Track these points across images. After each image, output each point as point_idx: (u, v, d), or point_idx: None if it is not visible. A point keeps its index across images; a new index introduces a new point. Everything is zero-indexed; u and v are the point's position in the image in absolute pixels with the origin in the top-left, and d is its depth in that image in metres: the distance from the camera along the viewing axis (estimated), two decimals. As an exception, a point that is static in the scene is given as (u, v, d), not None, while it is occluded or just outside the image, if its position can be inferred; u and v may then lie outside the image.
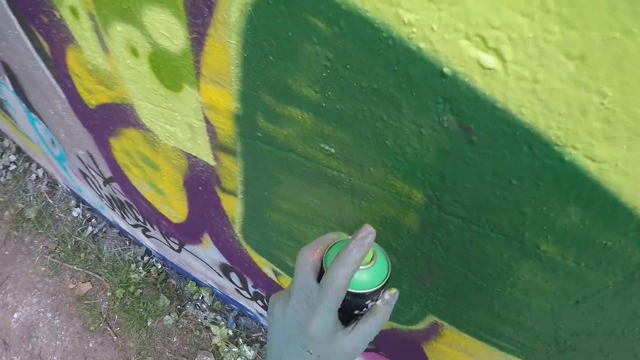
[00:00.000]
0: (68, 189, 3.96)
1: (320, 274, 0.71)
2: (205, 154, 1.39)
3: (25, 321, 3.40)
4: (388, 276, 0.75)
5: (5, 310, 3.45)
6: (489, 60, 0.63)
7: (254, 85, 0.98)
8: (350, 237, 0.73)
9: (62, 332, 3.33)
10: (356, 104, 0.83)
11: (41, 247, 3.76)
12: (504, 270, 0.94)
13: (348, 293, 0.70)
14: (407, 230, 1.04)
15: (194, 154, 1.45)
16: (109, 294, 3.46)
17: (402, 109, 0.77)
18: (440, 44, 0.65)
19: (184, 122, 1.33)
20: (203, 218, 1.85)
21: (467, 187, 0.83)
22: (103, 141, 2.00)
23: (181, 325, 3.28)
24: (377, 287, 0.72)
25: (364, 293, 0.71)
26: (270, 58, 0.89)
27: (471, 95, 0.68)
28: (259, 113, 1.04)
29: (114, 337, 3.26)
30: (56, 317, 3.41)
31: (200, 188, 1.62)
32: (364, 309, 0.74)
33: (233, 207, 1.55)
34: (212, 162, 1.40)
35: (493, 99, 0.66)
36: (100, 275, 3.55)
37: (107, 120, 1.76)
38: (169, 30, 1.05)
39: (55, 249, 3.71)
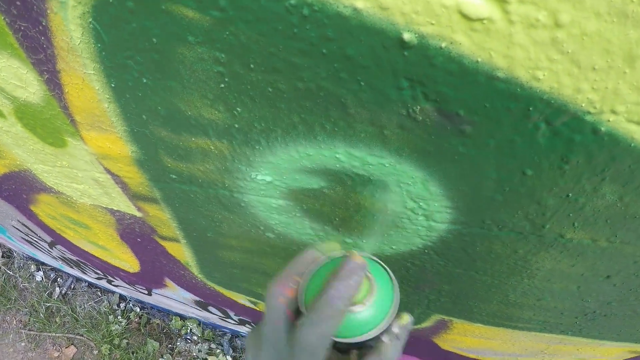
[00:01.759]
0: (25, 256, 3.66)
1: (298, 317, 0.52)
2: (126, 207, 1.12)
3: (19, 403, 3.13)
4: (394, 307, 0.55)
5: (-5, 397, 3.16)
6: (478, 5, 0.39)
7: (140, 121, 0.70)
8: (339, 251, 0.57)
9: (59, 404, 3.05)
10: (281, 116, 0.56)
11: (14, 322, 3.44)
12: (519, 265, 0.78)
13: (342, 343, 0.53)
14: (390, 246, 0.81)
15: (115, 208, 1.19)
16: (95, 352, 3.17)
17: (348, 109, 0.51)
18: None
19: (88, 178, 1.05)
20: (156, 266, 1.62)
21: (463, 189, 0.62)
22: (26, 210, 1.75)
23: (178, 365, 3.02)
24: (377, 330, 0.53)
25: (360, 341, 0.53)
26: (145, 81, 0.61)
27: (454, 67, 0.44)
28: (162, 152, 0.75)
29: (114, 396, 2.99)
30: (49, 390, 3.13)
31: (139, 240, 1.36)
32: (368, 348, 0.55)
33: (181, 252, 1.30)
34: (137, 214, 1.13)
35: (490, 66, 0.44)
36: (81, 335, 3.26)
37: (17, 189, 1.50)
38: (18, 78, 0.77)
39: (29, 320, 3.40)
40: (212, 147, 0.67)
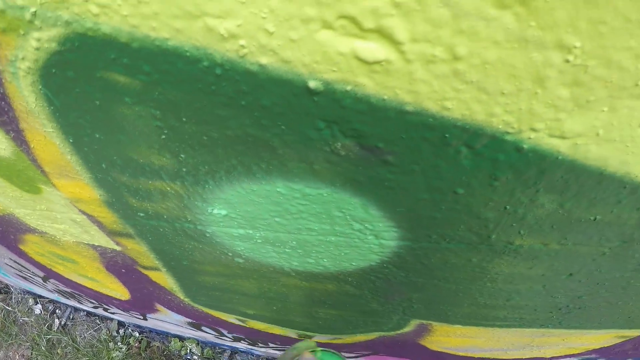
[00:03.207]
0: (22, 290, 3.65)
1: None
2: (106, 242, 1.15)
3: None
4: None
5: None
6: (373, 49, 0.42)
7: (101, 169, 0.74)
8: (310, 348, 0.68)
9: None
10: (220, 159, 0.60)
11: (17, 357, 3.44)
12: (477, 271, 0.80)
13: None
14: (350, 262, 0.85)
15: (96, 244, 1.22)
16: (98, 379, 3.17)
17: (277, 150, 0.55)
18: (289, 50, 0.43)
19: (66, 219, 1.09)
20: (145, 293, 1.64)
21: (401, 210, 0.66)
22: (16, 249, 1.80)
23: (180, 385, 3.02)
24: None
25: None
26: (97, 136, 0.65)
27: (363, 106, 0.48)
28: (126, 195, 0.79)
29: (119, 422, 2.99)
30: (56, 422, 3.12)
31: (123, 270, 1.39)
32: None
33: (164, 279, 1.33)
34: (117, 247, 1.17)
35: (398, 102, 0.47)
36: (83, 364, 3.25)
37: (5, 231, 1.55)
38: None
39: (32, 354, 3.39)
40: (168, 188, 0.71)
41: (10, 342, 3.50)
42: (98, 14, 0.44)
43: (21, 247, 1.69)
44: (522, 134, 0.49)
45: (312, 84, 0.45)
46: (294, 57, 0.43)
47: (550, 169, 0.53)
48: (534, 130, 0.49)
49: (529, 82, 0.44)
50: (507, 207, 0.61)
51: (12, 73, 0.57)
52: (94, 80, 0.52)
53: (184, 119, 0.53)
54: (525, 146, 0.50)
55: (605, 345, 1.33)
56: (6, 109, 0.68)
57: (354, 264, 0.85)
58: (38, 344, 3.40)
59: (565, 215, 0.62)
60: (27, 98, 0.62)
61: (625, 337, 1.22)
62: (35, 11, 0.46)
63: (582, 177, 0.55)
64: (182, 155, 0.60)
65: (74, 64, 0.51)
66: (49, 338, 3.42)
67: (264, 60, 0.44)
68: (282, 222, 0.72)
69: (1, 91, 0.63)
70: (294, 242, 0.79)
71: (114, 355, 3.15)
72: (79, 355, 3.26)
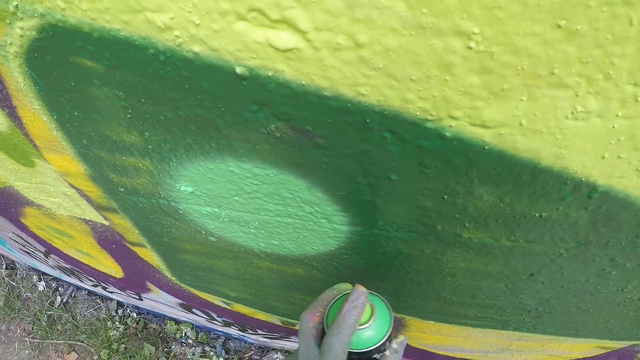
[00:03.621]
0: (27, 266, 3.75)
1: (323, 336, 0.69)
2: (95, 217, 1.23)
3: (25, 409, 3.21)
4: (391, 327, 0.72)
5: (3, 404, 3.25)
6: (283, 38, 0.46)
7: (83, 145, 0.82)
8: (349, 289, 0.71)
9: (63, 409, 3.14)
10: (178, 138, 0.67)
11: (18, 331, 3.53)
12: (433, 263, 0.82)
13: (352, 353, 0.69)
14: (311, 246, 0.90)
15: (87, 218, 1.29)
16: (95, 357, 3.26)
17: (222, 131, 0.62)
18: (215, 39, 0.48)
19: (59, 192, 1.16)
20: (135, 270, 1.71)
21: (343, 194, 0.69)
22: (17, 222, 1.86)
23: (173, 367, 3.09)
24: (379, 343, 0.70)
25: (368, 351, 0.70)
26: (76, 114, 0.73)
27: (286, 91, 0.52)
28: (107, 169, 0.87)
29: (113, 399, 3.08)
30: (52, 396, 3.21)
31: (114, 246, 1.46)
32: None
33: (150, 257, 1.40)
34: (105, 222, 1.24)
35: (315, 87, 0.50)
36: (82, 341, 3.35)
37: (7, 203, 1.61)
38: None
39: (32, 329, 3.49)
40: (140, 165, 0.79)
41: (13, 316, 3.60)
42: (64, 8, 0.51)
43: (22, 220, 1.76)
44: (442, 121, 0.50)
45: (238, 70, 0.50)
46: (220, 45, 0.48)
47: (478, 159, 0.54)
48: (453, 118, 0.49)
49: (435, 68, 0.44)
50: (445, 196, 0.62)
51: (3, 56, 0.65)
52: (68, 64, 0.60)
53: (142, 100, 0.60)
54: (447, 134, 0.51)
55: (589, 356, 1.32)
56: (0, 87, 0.76)
57: (314, 248, 0.90)
58: (39, 319, 3.50)
59: (508, 210, 0.62)
60: (16, 78, 0.70)
61: (608, 349, 1.21)
62: (17, 4, 0.54)
63: (516, 170, 0.54)
64: (146, 134, 0.68)
65: (51, 49, 0.59)
66: (50, 314, 3.52)
67: (196, 48, 0.49)
68: (241, 201, 0.79)
69: (-5, 71, 0.71)
70: (256, 223, 0.86)
71: (111, 334, 3.24)
72: (78, 333, 3.36)
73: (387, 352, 0.71)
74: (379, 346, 0.70)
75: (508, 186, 0.58)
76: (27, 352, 3.44)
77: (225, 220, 0.89)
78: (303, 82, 0.50)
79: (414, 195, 0.64)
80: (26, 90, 0.72)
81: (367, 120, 0.52)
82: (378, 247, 0.82)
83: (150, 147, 0.71)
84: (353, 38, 0.44)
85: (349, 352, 0.68)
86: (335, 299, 0.74)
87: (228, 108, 0.57)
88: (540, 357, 1.39)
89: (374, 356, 0.71)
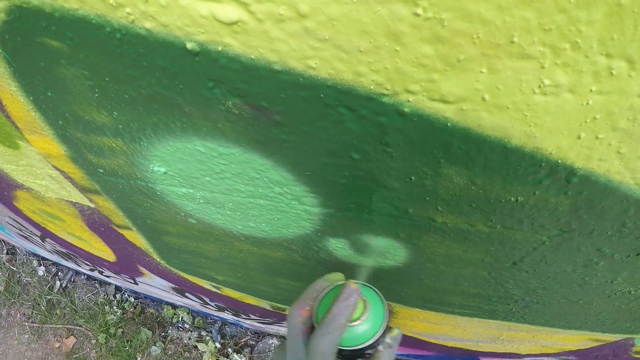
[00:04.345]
0: (27, 251, 3.78)
1: (312, 330, 0.68)
2: (81, 199, 1.25)
3: (24, 392, 3.25)
4: (385, 322, 0.71)
5: (4, 386, 3.29)
6: (227, 11, 0.45)
7: (59, 125, 0.83)
8: (340, 280, 0.71)
9: (61, 392, 3.18)
10: (144, 117, 0.68)
11: (18, 315, 3.58)
12: (411, 248, 0.82)
13: (346, 350, 0.68)
14: (287, 229, 0.91)
15: (74, 201, 1.31)
16: (93, 341, 3.30)
17: (184, 109, 0.62)
18: (164, 15, 0.48)
19: (45, 174, 1.18)
20: (126, 253, 1.73)
21: (309, 174, 0.69)
22: (11, 206, 1.87)
23: (170, 352, 3.13)
24: (372, 340, 0.69)
25: (360, 348, 0.68)
26: (50, 94, 0.74)
27: (237, 65, 0.51)
28: (84, 150, 0.89)
29: (110, 382, 3.12)
30: (52, 379, 3.25)
31: (102, 229, 1.48)
32: (367, 356, 0.70)
33: (138, 239, 1.42)
34: (91, 205, 1.26)
35: (265, 61, 0.49)
36: (80, 325, 3.39)
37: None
38: None
39: (32, 313, 3.53)
40: (114, 145, 0.80)
41: (13, 300, 3.65)
42: (26, -12, 0.53)
43: (16, 204, 1.78)
44: (399, 96, 0.47)
45: (189, 45, 0.49)
46: (169, 21, 0.47)
47: (442, 137, 0.52)
48: (410, 92, 0.47)
49: (384, 38, 0.42)
50: (412, 177, 0.60)
51: (-23, 38, 0.67)
52: (36, 44, 0.61)
53: (107, 79, 0.61)
54: (406, 109, 0.49)
55: (582, 348, 1.32)
56: (-21, 70, 0.77)
57: (290, 230, 0.90)
58: (39, 304, 3.54)
59: (481, 193, 0.60)
60: (-7, 58, 0.71)
61: (601, 341, 1.21)
62: (-16, -13, 0.55)
63: (484, 150, 0.52)
64: (115, 113, 0.69)
65: (19, 31, 0.60)
66: (49, 299, 3.56)
67: (148, 25, 0.49)
68: (213, 182, 0.80)
69: (-29, 53, 0.73)
70: (231, 204, 0.87)
71: (109, 318, 3.27)
72: (76, 317, 3.39)
73: (380, 347, 0.70)
74: (373, 342, 0.69)
75: (478, 167, 0.55)
76: (26, 336, 3.48)
77: (201, 201, 0.90)
78: (252, 56, 0.49)
79: (381, 176, 0.63)
80: (2, 72, 0.73)
81: (322, 95, 0.50)
82: (353, 231, 0.82)
83: (120, 126, 0.72)
84: (294, 8, 0.42)
85: (344, 349, 0.68)
86: (326, 291, 0.73)
87: (185, 85, 0.57)
88: (533, 347, 1.40)
89: (366, 352, 0.70)
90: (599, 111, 0.45)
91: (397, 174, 0.62)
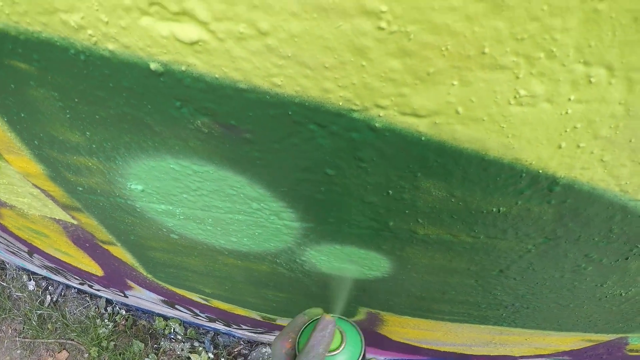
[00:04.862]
0: (16, 266, 3.75)
1: None
2: (64, 216, 1.24)
3: (17, 408, 3.22)
4: (362, 352, 0.74)
5: (-5, 403, 3.26)
6: (187, 30, 0.44)
7: (35, 145, 0.83)
8: (320, 314, 0.74)
9: (55, 407, 3.15)
10: (116, 136, 0.68)
11: (10, 331, 3.55)
12: (394, 260, 0.81)
13: None
14: (269, 243, 0.91)
15: (57, 218, 1.30)
16: (86, 355, 3.27)
17: (154, 128, 0.62)
18: (125, 36, 0.48)
19: (26, 193, 1.17)
20: (113, 268, 1.71)
21: (284, 190, 0.68)
22: (-3, 222, 1.83)
23: (162, 364, 3.11)
24: None
25: None
26: (23, 115, 0.74)
27: (202, 85, 0.50)
28: (62, 169, 0.88)
29: (104, 396, 3.09)
30: (45, 394, 3.23)
31: (87, 245, 1.47)
32: None
33: (123, 254, 1.41)
34: (73, 221, 1.25)
35: (229, 80, 0.49)
36: (72, 339, 3.36)
37: None
38: None
39: (23, 328, 3.50)
40: (90, 164, 0.80)
41: (3, 316, 3.62)
42: (-11, 12, 0.52)
43: (1, 221, 1.76)
44: (370, 111, 0.47)
45: (152, 66, 0.49)
46: (130, 42, 0.47)
47: (416, 151, 0.51)
48: (380, 107, 0.46)
49: (348, 53, 0.41)
50: (390, 192, 0.60)
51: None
52: (4, 67, 0.60)
53: (76, 100, 0.61)
54: (377, 125, 0.48)
55: (576, 348, 1.32)
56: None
57: (272, 244, 0.90)
58: (30, 319, 3.52)
59: (462, 205, 0.59)
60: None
61: (594, 341, 1.21)
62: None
63: (461, 162, 0.51)
64: (87, 133, 0.68)
65: (-11, 50, 0.60)
66: (40, 313, 3.53)
67: (110, 46, 0.48)
68: (190, 199, 0.79)
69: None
70: (210, 220, 0.86)
71: (101, 331, 3.25)
72: (68, 331, 3.37)
73: None
74: None
75: (456, 180, 0.55)
76: (18, 351, 3.46)
77: (182, 217, 0.90)
78: (216, 75, 0.48)
79: (357, 191, 0.62)
80: (-27, 95, 0.73)
81: (290, 113, 0.50)
82: (335, 244, 0.82)
83: (94, 146, 0.72)
84: (254, 26, 0.41)
85: None
86: (306, 324, 0.76)
87: (153, 105, 0.57)
88: (526, 349, 1.40)
89: None
90: (579, 120, 0.45)
91: (374, 189, 0.61)
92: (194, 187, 0.75)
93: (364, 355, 0.74)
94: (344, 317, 0.79)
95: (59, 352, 3.38)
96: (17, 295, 3.69)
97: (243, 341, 3.05)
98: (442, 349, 1.59)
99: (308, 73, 0.45)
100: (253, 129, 0.55)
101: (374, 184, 0.60)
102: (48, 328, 3.48)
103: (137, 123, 0.62)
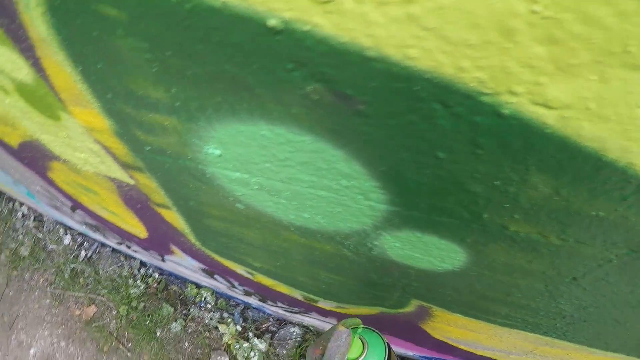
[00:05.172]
0: (54, 220, 3.79)
1: None
2: (121, 175, 1.19)
3: (42, 355, 3.29)
4: (386, 356, 0.77)
5: (22, 348, 3.33)
6: None
7: (107, 99, 0.77)
8: (357, 325, 0.79)
9: (79, 358, 3.19)
10: (206, 96, 0.62)
11: (41, 281, 3.59)
12: (473, 255, 0.77)
13: None
14: (344, 223, 0.85)
15: (113, 176, 1.26)
16: (114, 312, 3.29)
17: (254, 90, 0.57)
18: None
19: (85, 148, 1.13)
20: (160, 232, 1.69)
21: (383, 170, 0.63)
22: (45, 176, 1.86)
23: (190, 330, 3.11)
24: None
25: None
26: (99, 66, 0.69)
27: (325, 48, 0.46)
28: (132, 126, 0.83)
29: (128, 354, 3.11)
30: (70, 345, 3.27)
31: (139, 206, 1.43)
32: None
33: (176, 219, 1.37)
34: (131, 181, 1.21)
35: (358, 46, 0.44)
36: (102, 296, 3.38)
37: (34, 157, 1.60)
38: (12, 62, 0.86)
39: (55, 279, 3.54)
40: (167, 123, 0.74)
41: (37, 266, 3.66)
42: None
43: (49, 174, 1.75)
44: (501, 96, 0.44)
45: (271, 23, 0.45)
46: None
47: (538, 143, 0.48)
48: (513, 93, 0.44)
49: (495, 33, 0.39)
50: (497, 182, 0.56)
51: (25, 4, 0.61)
52: (90, 12, 0.55)
53: (168, 53, 0.55)
54: (505, 111, 0.46)
55: None
56: (23, 37, 0.72)
57: (348, 225, 0.85)
58: (62, 271, 3.55)
59: (564, 204, 0.57)
60: (39, 27, 0.66)
61: None
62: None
63: (578, 160, 0.49)
64: (173, 89, 0.63)
65: (73, -5, 0.54)
66: (74, 267, 3.56)
67: None
68: (273, 169, 0.74)
69: (18, 20, 0.67)
70: (288, 193, 0.81)
71: (132, 292, 3.26)
72: (99, 287, 3.39)
73: None
74: None
75: (567, 178, 0.52)
76: (47, 301, 3.50)
77: (255, 187, 0.84)
78: (344, 40, 0.44)
79: (463, 178, 0.58)
80: (49, 40, 0.68)
81: (416, 88, 0.47)
82: (416, 231, 0.77)
83: (177, 104, 0.66)
84: None
85: None
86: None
87: (261, 65, 0.52)
88: (562, 365, 1.34)
89: None
90: None
91: (482, 178, 0.57)
92: (281, 157, 0.69)
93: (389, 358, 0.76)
94: (367, 327, 0.83)
95: (87, 307, 3.41)
96: (51, 248, 3.73)
97: (273, 318, 3.03)
98: (479, 352, 1.55)
99: (447, 49, 0.42)
100: (369, 101, 0.51)
101: (484, 172, 0.56)
102: (79, 282, 3.50)
103: (236, 83, 0.56)
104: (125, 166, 1.10)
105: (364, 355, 0.75)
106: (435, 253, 0.82)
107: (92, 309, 3.38)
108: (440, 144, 0.53)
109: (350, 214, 0.80)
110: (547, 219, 0.60)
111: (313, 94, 0.52)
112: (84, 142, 1.08)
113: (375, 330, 0.81)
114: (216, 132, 0.69)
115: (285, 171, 0.73)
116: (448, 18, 0.39)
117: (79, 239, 3.72)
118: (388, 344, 0.79)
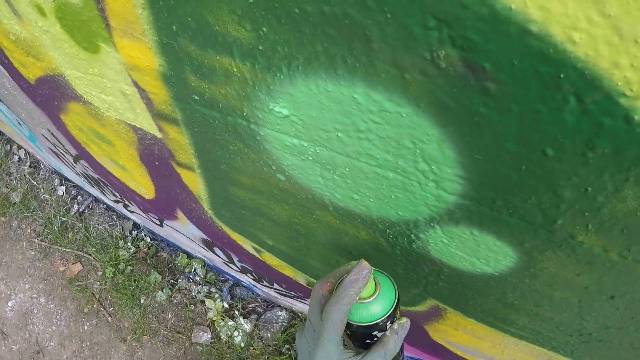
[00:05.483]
0: (50, 168, 3.71)
1: None
2: (148, 125, 1.11)
3: (20, 308, 3.23)
4: (393, 306, 0.74)
5: (0, 299, 3.24)
6: None
7: (170, 32, 0.69)
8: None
9: (57, 317, 3.14)
10: (305, 42, 0.54)
11: (29, 230, 3.52)
12: (522, 260, 0.74)
13: (354, 325, 0.73)
14: (396, 211, 0.79)
15: (138, 126, 1.18)
16: (99, 273, 3.23)
17: (372, 44, 0.49)
18: None
19: (116, 89, 1.05)
20: (170, 194, 1.61)
21: (478, 158, 0.58)
22: (56, 118, 1.77)
23: (175, 301, 3.05)
24: (379, 320, 0.73)
25: (368, 325, 0.73)
26: (174, -12, 0.59)
27: (486, 11, 0.40)
28: (188, 69, 0.75)
29: (109, 318, 3.06)
30: (50, 302, 3.21)
31: (156, 163, 1.36)
32: (375, 339, 0.75)
33: (195, 183, 1.30)
34: (158, 134, 1.13)
35: (524, 16, 0.39)
36: (89, 254, 3.31)
37: (50, 95, 1.51)
38: None
39: (43, 231, 3.47)
40: (235, 69, 0.66)
41: (26, 214, 3.60)
42: None
43: (62, 117, 1.66)
44: (638, 101, 0.41)
45: None
46: None
47: None
48: None
49: None
50: (589, 189, 0.53)
51: None
52: None
53: (275, -18, 0.48)
54: (636, 117, 0.42)
55: None
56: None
57: (400, 213, 0.79)
58: (52, 223, 3.50)
59: None
60: None
61: None
62: None
63: None
64: (264, 29, 0.55)
65: None
66: (64, 221, 3.51)
67: None
68: (344, 140, 0.66)
69: None
70: (347, 169, 0.74)
71: (121, 253, 3.21)
72: (87, 245, 3.34)
73: (387, 332, 0.75)
74: (379, 324, 0.73)
75: None
76: (32, 253, 3.44)
77: (310, 159, 0.77)
78: (513, 6, 0.39)
79: (558, 180, 0.54)
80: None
81: (561, 76, 0.42)
82: (475, 230, 0.72)
83: (261, 47, 0.58)
84: None
85: (353, 324, 0.72)
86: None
87: (396, 15, 0.45)
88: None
89: (374, 333, 0.74)
90: None
91: (578, 182, 0.53)
92: (362, 128, 0.62)
93: (394, 312, 0.74)
94: (383, 272, 0.79)
95: (73, 264, 3.35)
96: (44, 197, 3.66)
97: (261, 299, 2.98)
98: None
99: (614, 40, 0.37)
100: (503, 80, 0.46)
101: (582, 176, 0.52)
102: (68, 237, 3.44)
103: (352, 32, 0.49)
104: (157, 116, 1.02)
105: (375, 295, 0.72)
106: (483, 254, 0.78)
107: (77, 267, 3.33)
108: (554, 140, 0.49)
109: (410, 202, 0.74)
110: (620, 233, 0.57)
111: (442, 60, 0.46)
112: (117, 82, 1.00)
113: (388, 275, 0.79)
114: (295, 88, 0.61)
115: (357, 144, 0.66)
116: (632, 9, 0.34)
117: (73, 192, 3.65)
118: (398, 291, 0.77)
